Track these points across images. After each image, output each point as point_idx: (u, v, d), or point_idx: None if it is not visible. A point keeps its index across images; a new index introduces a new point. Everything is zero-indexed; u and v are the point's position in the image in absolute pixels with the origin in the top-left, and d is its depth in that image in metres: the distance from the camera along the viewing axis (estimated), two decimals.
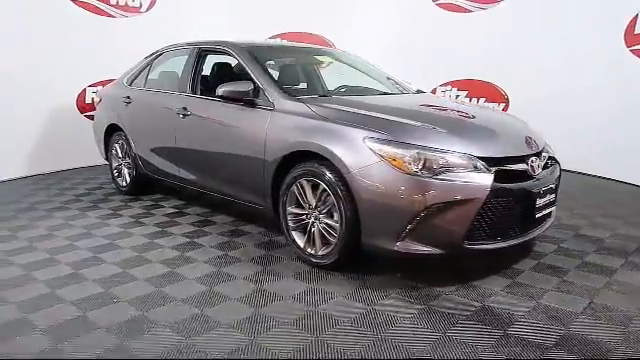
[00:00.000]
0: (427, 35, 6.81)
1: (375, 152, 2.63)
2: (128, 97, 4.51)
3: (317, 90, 4.31)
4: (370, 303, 2.55)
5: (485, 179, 2.58)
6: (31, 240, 3.52)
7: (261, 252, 3.28)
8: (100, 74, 6.13)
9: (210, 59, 4.10)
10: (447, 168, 2.56)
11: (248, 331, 2.28)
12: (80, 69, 5.94)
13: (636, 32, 5.14)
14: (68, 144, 5.95)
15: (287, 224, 3.13)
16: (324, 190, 2.85)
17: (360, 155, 2.67)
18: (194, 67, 3.95)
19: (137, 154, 4.46)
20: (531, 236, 2.89)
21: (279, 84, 3.35)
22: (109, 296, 2.63)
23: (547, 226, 3.06)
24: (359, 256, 2.86)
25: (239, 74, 4.13)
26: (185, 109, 3.80)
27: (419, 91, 4.13)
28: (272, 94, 3.25)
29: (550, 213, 3.07)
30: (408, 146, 2.61)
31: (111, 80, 5.83)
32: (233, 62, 4.33)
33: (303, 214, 3.03)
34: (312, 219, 2.98)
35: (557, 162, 3.18)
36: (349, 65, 4.35)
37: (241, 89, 3.29)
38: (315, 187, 2.93)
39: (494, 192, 2.57)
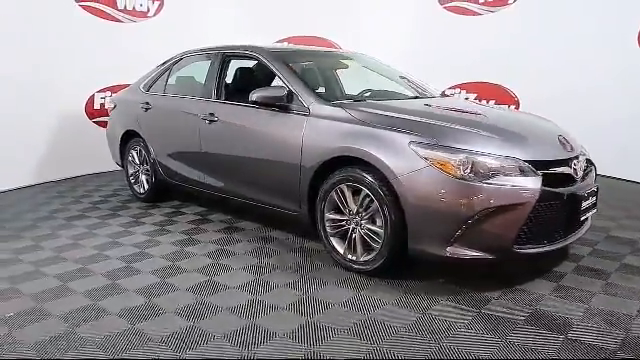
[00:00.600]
0: (435, 38, 6.82)
1: (422, 157, 2.61)
2: (147, 103, 4.44)
3: (336, 94, 4.27)
4: (422, 309, 2.52)
5: (534, 183, 2.57)
6: (58, 250, 3.44)
7: (296, 259, 3.24)
8: (109, 80, 6.05)
9: (233, 64, 4.05)
10: (495, 172, 2.55)
11: (304, 340, 2.24)
12: (88, 75, 5.85)
13: None
14: (77, 150, 5.85)
15: (325, 230, 3.09)
16: (367, 195, 2.82)
17: (407, 160, 2.65)
18: (219, 72, 3.89)
19: (157, 160, 4.39)
20: (574, 239, 2.89)
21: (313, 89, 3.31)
22: (154, 307, 2.57)
23: (586, 229, 3.07)
24: (401, 261, 2.84)
25: (263, 79, 4.11)
26: (212, 115, 3.74)
27: (444, 94, 4.12)
28: (307, 99, 3.21)
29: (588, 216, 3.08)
30: (455, 150, 2.59)
31: (120, 85, 5.77)
32: (255, 67, 4.31)
33: (343, 220, 3.00)
34: (353, 225, 2.95)
35: (593, 164, 3.19)
36: (371, 69, 4.32)
37: (276, 94, 3.25)
38: (356, 192, 2.90)
39: (542, 196, 2.57)
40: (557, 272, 2.96)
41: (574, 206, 2.76)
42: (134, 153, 4.69)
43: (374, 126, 2.85)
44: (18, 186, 5.36)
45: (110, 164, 5.56)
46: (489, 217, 2.51)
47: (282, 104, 3.26)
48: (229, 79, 4.06)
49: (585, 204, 2.82)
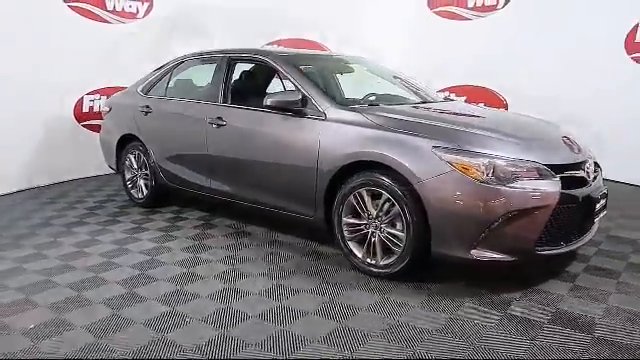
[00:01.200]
0: (424, 42, 6.92)
1: (445, 161, 2.64)
2: (147, 106, 4.36)
3: (336, 97, 4.28)
4: (449, 312, 2.55)
5: (554, 186, 2.64)
6: (64, 258, 3.34)
7: (312, 262, 3.24)
8: (98, 82, 5.91)
9: (238, 67, 4.02)
10: (517, 176, 2.61)
11: (341, 346, 2.23)
12: (77, 77, 5.68)
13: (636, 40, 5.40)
14: (65, 155, 5.71)
15: (343, 235, 3.09)
16: (387, 200, 2.84)
17: (429, 164, 2.69)
18: (225, 76, 3.85)
19: (157, 165, 4.31)
20: (587, 239, 2.97)
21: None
22: (179, 315, 2.53)
23: (596, 229, 3.16)
24: (422, 264, 2.87)
25: (268, 82, 4.10)
26: (220, 119, 3.70)
27: (447, 98, 4.19)
28: (322, 103, 3.21)
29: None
30: (477, 155, 2.64)
31: (110, 88, 5.65)
32: (260, 70, 4.29)
33: (361, 224, 3.01)
34: (372, 229, 2.97)
35: (599, 167, 3.30)
36: (375, 73, 4.35)
37: (290, 99, 3.24)
38: (375, 197, 2.92)
39: (562, 198, 2.64)
40: (570, 272, 3.05)
41: (589, 208, 2.85)
42: (132, 158, 4.59)
43: (394, 131, 2.88)
44: (4, 192, 5.17)
45: (100, 168, 5.43)
46: (513, 220, 2.57)
47: (297, 109, 3.26)
48: (235, 83, 4.02)
49: (598, 206, 2.92)
